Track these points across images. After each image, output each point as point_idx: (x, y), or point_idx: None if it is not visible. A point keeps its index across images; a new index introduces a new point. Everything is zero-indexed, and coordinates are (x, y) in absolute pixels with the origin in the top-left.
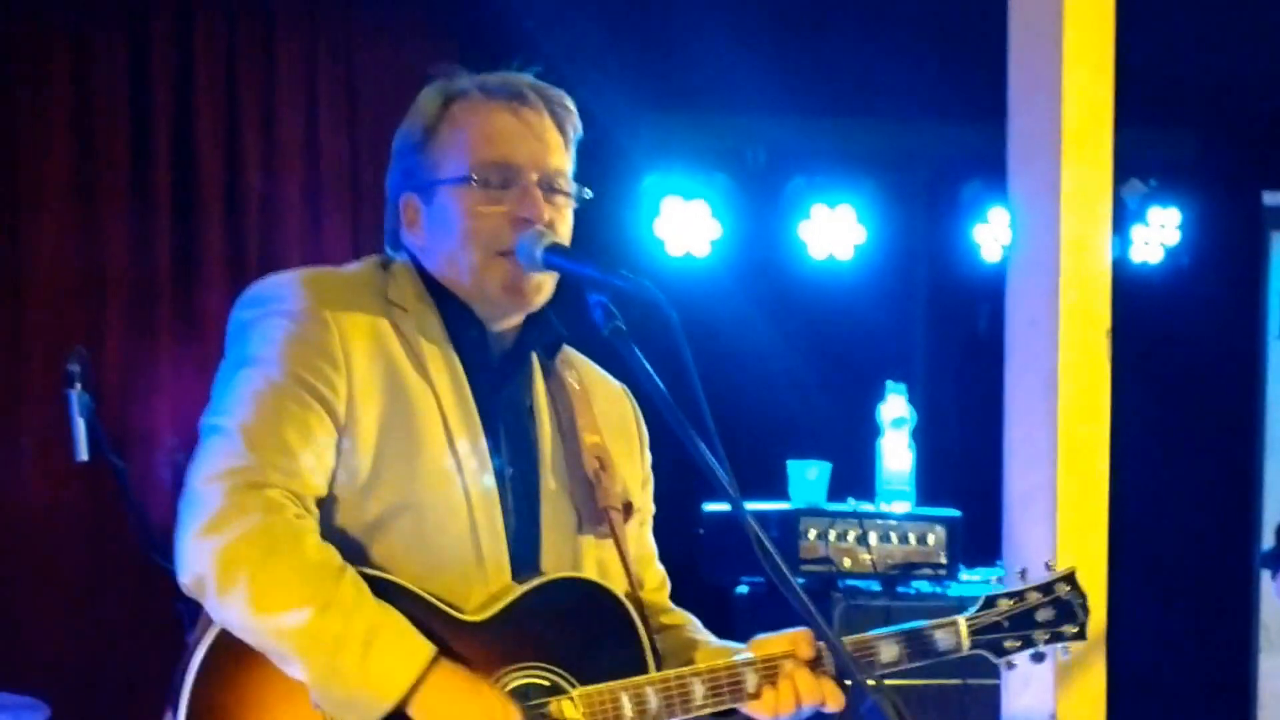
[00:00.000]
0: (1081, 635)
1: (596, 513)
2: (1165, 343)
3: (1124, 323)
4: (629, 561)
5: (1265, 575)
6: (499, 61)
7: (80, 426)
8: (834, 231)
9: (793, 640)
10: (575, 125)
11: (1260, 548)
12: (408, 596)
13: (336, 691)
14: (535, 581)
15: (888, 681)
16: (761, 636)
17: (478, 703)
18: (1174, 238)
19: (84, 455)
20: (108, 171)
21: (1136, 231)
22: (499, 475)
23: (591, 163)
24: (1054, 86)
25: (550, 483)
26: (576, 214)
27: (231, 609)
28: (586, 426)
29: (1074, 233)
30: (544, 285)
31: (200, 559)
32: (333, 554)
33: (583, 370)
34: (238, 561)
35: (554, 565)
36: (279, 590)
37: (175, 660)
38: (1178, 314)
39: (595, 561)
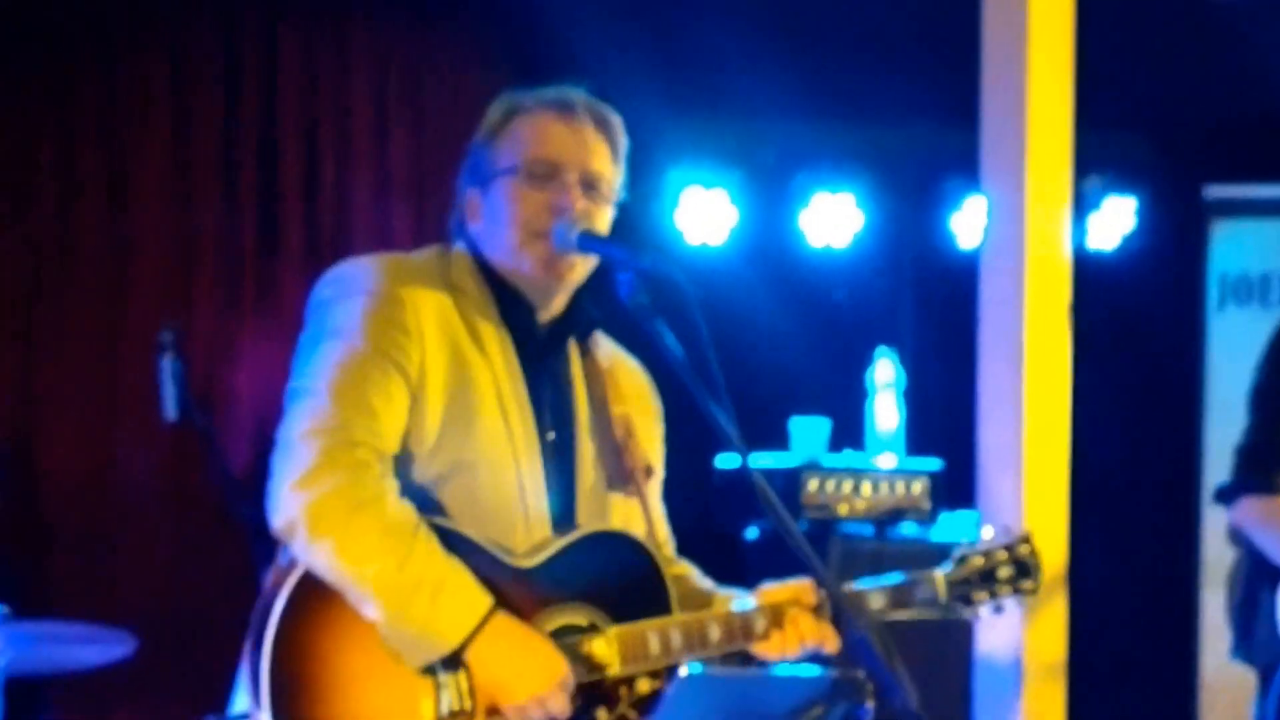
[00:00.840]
0: (1036, 590)
1: (624, 474)
2: (1120, 316)
3: (1083, 300)
4: (652, 517)
5: (1217, 510)
6: (544, 75)
7: (170, 390)
8: (834, 218)
9: (797, 589)
10: (619, 138)
11: (1202, 494)
12: (470, 545)
13: (405, 633)
14: (578, 533)
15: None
16: (767, 585)
17: (528, 650)
18: (1128, 225)
19: (173, 415)
20: (202, 167)
21: (1094, 220)
22: (543, 439)
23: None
24: (1020, 96)
25: (585, 447)
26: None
27: (319, 555)
28: (615, 399)
29: (1038, 222)
30: (577, 265)
31: (294, 508)
32: (410, 512)
33: (611, 352)
34: (327, 514)
35: (587, 519)
36: (362, 543)
37: (249, 596)
38: (1131, 291)
39: (621, 517)
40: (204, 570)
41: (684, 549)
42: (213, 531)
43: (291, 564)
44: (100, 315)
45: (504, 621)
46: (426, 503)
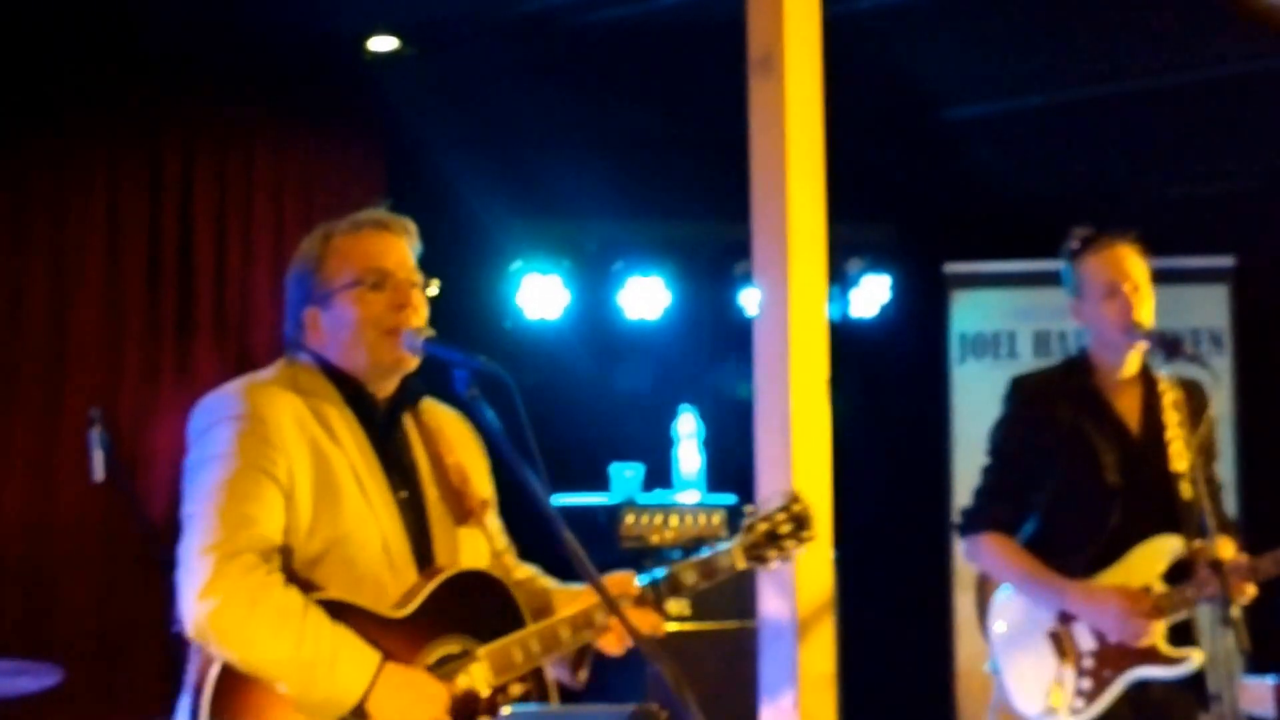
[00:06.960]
0: (814, 535)
1: (465, 511)
2: (879, 370)
3: (848, 359)
4: (493, 538)
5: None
6: (414, 185)
7: (98, 456)
8: (647, 297)
9: (620, 581)
10: (418, 242)
11: (950, 515)
12: (352, 610)
13: (313, 699)
14: (440, 578)
15: (684, 626)
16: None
17: (415, 688)
18: (884, 297)
19: (99, 477)
20: (129, 266)
21: (856, 294)
22: (397, 500)
23: (474, 252)
24: (782, 198)
25: (432, 496)
26: (466, 287)
27: (230, 654)
28: (447, 451)
29: (800, 302)
30: (414, 360)
31: (200, 618)
32: (297, 595)
33: (436, 411)
34: (228, 619)
35: (445, 555)
36: (263, 636)
37: (164, 631)
38: (887, 351)
39: (471, 545)
40: (126, 609)
41: (539, 564)
42: (135, 575)
43: (207, 659)
44: (41, 394)
45: (392, 669)
46: (308, 585)
